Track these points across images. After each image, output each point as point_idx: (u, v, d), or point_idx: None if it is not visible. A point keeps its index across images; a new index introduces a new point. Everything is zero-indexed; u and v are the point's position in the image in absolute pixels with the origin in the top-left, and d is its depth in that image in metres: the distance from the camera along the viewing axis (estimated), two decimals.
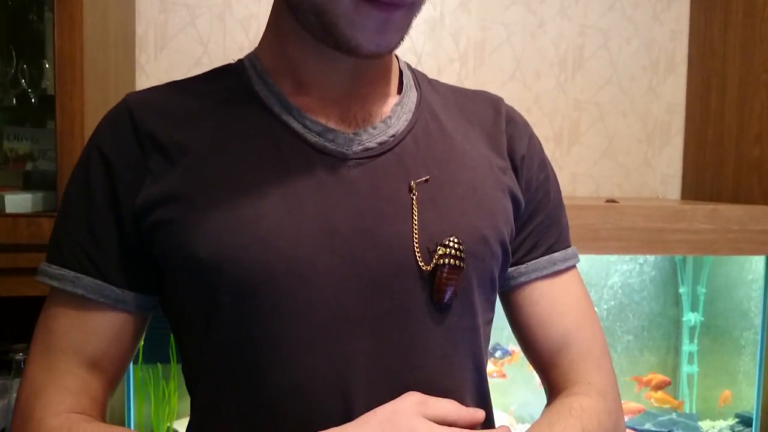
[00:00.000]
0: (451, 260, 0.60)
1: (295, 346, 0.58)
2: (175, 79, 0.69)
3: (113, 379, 0.65)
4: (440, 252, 0.60)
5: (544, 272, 0.70)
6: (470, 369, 0.65)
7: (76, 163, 0.65)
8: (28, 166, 1.41)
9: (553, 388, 0.69)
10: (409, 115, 0.67)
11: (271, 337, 0.58)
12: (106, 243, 0.62)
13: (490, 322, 0.69)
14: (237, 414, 0.60)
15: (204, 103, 0.65)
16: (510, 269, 0.70)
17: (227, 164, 0.61)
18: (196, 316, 0.61)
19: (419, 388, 0.60)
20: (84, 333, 0.63)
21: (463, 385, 0.64)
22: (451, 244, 0.61)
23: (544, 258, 0.70)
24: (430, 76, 0.76)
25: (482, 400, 0.67)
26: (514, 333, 0.73)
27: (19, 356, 1.28)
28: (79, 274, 0.62)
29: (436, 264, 0.60)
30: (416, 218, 0.61)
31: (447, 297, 0.61)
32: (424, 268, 0.60)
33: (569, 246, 0.73)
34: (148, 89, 0.67)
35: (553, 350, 0.69)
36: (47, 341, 0.63)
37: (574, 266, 0.73)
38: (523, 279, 0.70)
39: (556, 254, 0.71)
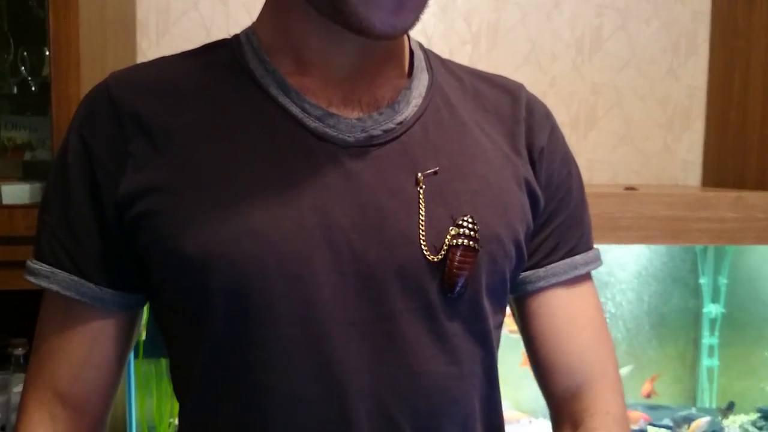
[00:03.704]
0: (466, 240, 0.55)
1: (290, 349, 0.53)
2: None
3: (103, 394, 0.62)
4: (453, 232, 0.56)
5: (564, 277, 0.65)
6: (479, 376, 0.60)
7: (58, 149, 0.61)
8: (27, 156, 1.39)
9: (564, 412, 0.65)
10: (419, 100, 0.61)
11: (263, 338, 0.53)
12: (85, 236, 0.58)
13: (500, 326, 0.64)
14: (228, 419, 0.56)
15: (194, 81, 0.59)
16: (527, 273, 0.65)
17: (217, 151, 0.56)
18: (183, 316, 0.57)
19: (424, 396, 0.56)
20: (63, 338, 0.59)
21: (472, 393, 0.59)
22: (465, 224, 0.56)
23: (564, 261, 0.65)
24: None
25: (492, 408, 0.63)
26: (524, 340, 0.68)
27: (18, 351, 1.26)
28: (54, 269, 0.58)
29: (448, 246, 0.55)
30: (423, 213, 0.56)
31: (459, 284, 0.56)
32: (431, 258, 0.55)
33: (591, 248, 0.68)
34: (133, 66, 0.62)
35: (569, 369, 0.65)
36: (36, 348, 0.61)
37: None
38: (541, 284, 0.65)
39: (578, 257, 0.66)
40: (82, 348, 0.59)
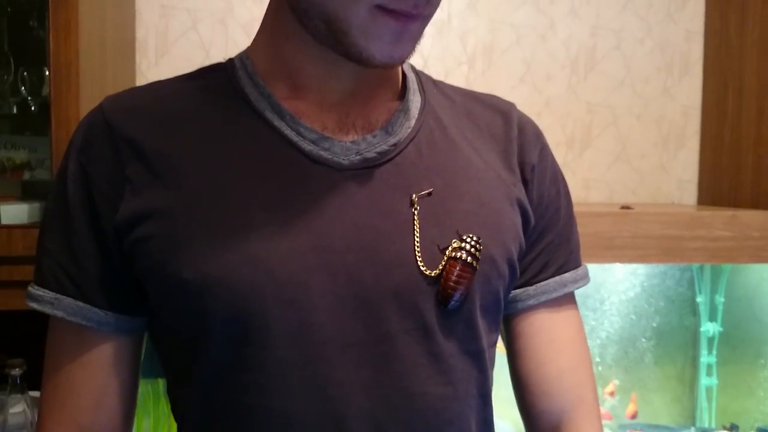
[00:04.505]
0: (466, 256, 0.56)
1: (287, 372, 0.54)
2: None
3: (123, 423, 0.63)
4: (455, 245, 0.56)
5: (554, 295, 0.66)
6: (474, 396, 0.60)
7: (56, 174, 0.61)
8: (26, 176, 1.39)
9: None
10: (412, 122, 0.62)
11: (260, 361, 0.54)
12: (87, 261, 0.58)
13: (494, 344, 0.64)
14: None
15: (189, 106, 0.60)
16: (518, 291, 0.66)
17: (213, 175, 0.56)
18: (182, 339, 0.57)
19: (420, 418, 0.56)
20: (78, 366, 0.59)
21: (468, 414, 0.59)
22: (470, 240, 0.56)
23: (554, 279, 0.66)
24: (438, 79, 0.71)
25: (487, 427, 0.63)
26: (507, 357, 0.69)
27: (15, 371, 1.25)
28: (58, 295, 0.58)
29: (447, 258, 0.56)
30: (418, 234, 0.56)
31: (455, 299, 0.56)
32: (428, 273, 0.55)
33: (580, 265, 0.69)
34: (128, 90, 0.63)
35: (546, 393, 0.66)
36: (49, 377, 0.61)
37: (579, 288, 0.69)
38: (531, 302, 0.66)
39: (567, 275, 0.67)
40: (99, 375, 0.59)
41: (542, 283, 0.66)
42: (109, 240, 0.57)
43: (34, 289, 0.59)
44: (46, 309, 0.58)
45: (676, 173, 1.80)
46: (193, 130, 0.58)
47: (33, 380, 1.28)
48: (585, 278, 0.69)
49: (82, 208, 0.58)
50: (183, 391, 0.59)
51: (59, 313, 0.58)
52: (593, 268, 1.55)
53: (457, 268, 0.55)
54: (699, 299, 1.65)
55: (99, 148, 0.58)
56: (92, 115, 0.60)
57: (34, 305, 0.59)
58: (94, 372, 0.59)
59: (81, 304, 0.58)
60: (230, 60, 0.63)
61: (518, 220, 0.63)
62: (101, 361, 0.59)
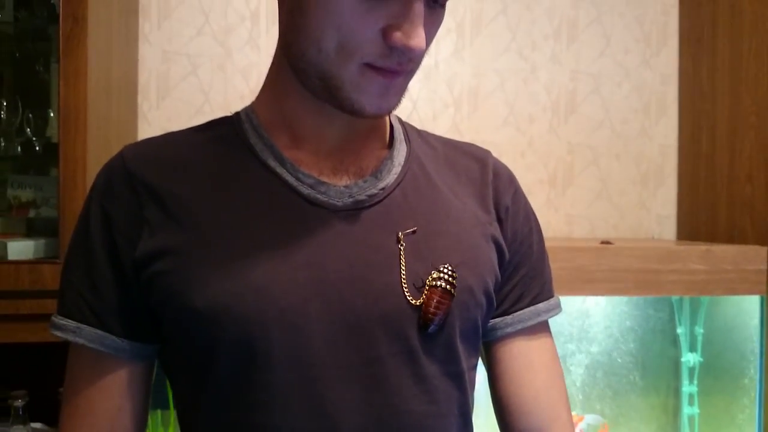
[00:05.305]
0: (444, 284, 0.62)
1: (287, 391, 0.59)
2: (177, 126, 0.71)
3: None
4: (434, 275, 0.63)
5: (529, 323, 0.72)
6: (455, 414, 0.66)
7: (79, 215, 0.67)
8: (32, 213, 1.43)
9: None
10: (399, 169, 0.69)
11: (265, 382, 0.59)
12: (106, 293, 0.64)
13: (474, 367, 0.70)
14: None
15: (200, 154, 0.67)
16: (496, 320, 0.72)
17: (222, 216, 0.63)
18: (193, 363, 0.62)
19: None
20: (96, 388, 0.64)
21: (449, 429, 0.65)
22: (445, 269, 0.63)
23: (528, 309, 0.72)
24: (426, 121, 0.79)
25: None
26: (488, 381, 0.75)
27: (18, 403, 1.28)
28: (80, 324, 0.64)
29: (429, 287, 0.62)
30: (404, 267, 0.63)
31: (435, 322, 0.62)
32: (413, 302, 0.62)
33: (552, 296, 0.76)
34: (144, 140, 0.70)
35: (525, 412, 0.71)
36: (68, 400, 0.66)
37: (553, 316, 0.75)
38: (509, 330, 0.72)
39: (540, 305, 0.73)
40: (115, 398, 0.65)
41: (518, 312, 0.72)
42: (127, 274, 0.63)
43: (58, 319, 0.65)
44: (69, 337, 0.64)
45: (656, 209, 1.87)
46: (204, 176, 0.65)
47: (35, 411, 1.31)
48: (557, 308, 0.75)
49: (103, 245, 0.64)
50: (192, 413, 0.64)
51: (80, 341, 0.64)
52: (577, 301, 1.61)
53: (437, 295, 0.62)
54: (679, 330, 1.71)
55: (120, 192, 0.65)
56: (113, 161, 0.67)
57: (58, 333, 0.65)
58: (110, 394, 0.65)
59: (100, 332, 0.64)
60: (237, 114, 0.71)
61: (494, 255, 0.70)
62: (117, 385, 0.65)
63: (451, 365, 0.65)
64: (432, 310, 0.62)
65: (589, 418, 1.59)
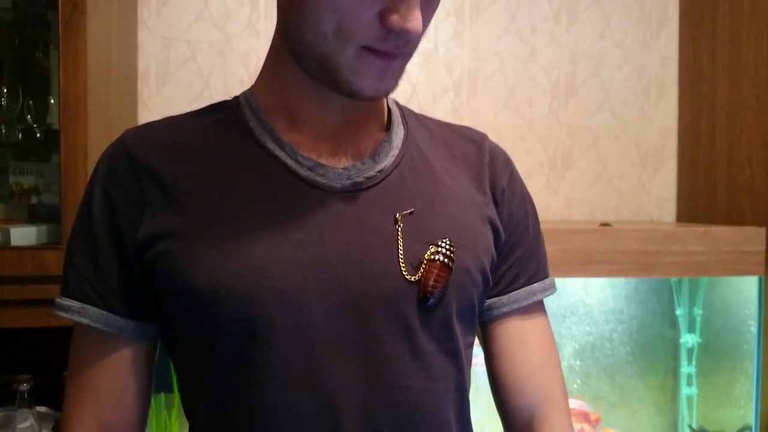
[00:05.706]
0: (442, 258, 0.64)
1: (288, 369, 0.61)
2: (177, 112, 0.72)
3: (140, 422, 0.69)
4: (432, 250, 0.64)
5: (524, 303, 0.73)
6: (452, 390, 0.67)
7: (81, 199, 0.68)
8: (33, 200, 1.45)
9: (513, 428, 0.74)
10: (396, 151, 0.70)
11: (265, 360, 0.61)
12: (109, 275, 0.65)
13: (470, 345, 0.71)
14: None
15: (200, 138, 0.68)
16: (492, 300, 0.73)
17: (222, 198, 0.64)
18: (195, 342, 0.64)
19: (405, 408, 0.63)
20: (101, 367, 0.66)
21: (446, 405, 0.66)
22: (444, 244, 0.64)
23: (524, 289, 0.74)
24: (426, 105, 0.80)
25: (463, 421, 0.70)
26: (485, 361, 0.76)
27: (23, 387, 1.30)
28: (84, 305, 0.65)
29: (427, 261, 0.63)
30: (401, 248, 0.64)
31: (434, 296, 0.63)
32: (410, 278, 0.63)
33: (547, 276, 0.77)
34: (145, 125, 0.70)
35: (520, 390, 0.73)
36: (73, 379, 0.67)
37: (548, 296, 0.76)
38: (505, 309, 0.73)
39: (535, 285, 0.75)
40: (119, 375, 0.66)
41: (514, 292, 0.73)
42: (130, 256, 0.65)
43: (62, 300, 0.66)
44: (74, 317, 0.65)
45: (655, 192, 1.88)
46: (204, 159, 0.66)
47: (40, 395, 1.33)
48: (552, 288, 0.77)
49: (106, 228, 0.65)
50: (194, 392, 0.66)
51: (85, 321, 0.65)
52: (576, 283, 1.62)
53: (436, 269, 0.63)
54: (678, 312, 1.72)
55: (122, 176, 0.66)
56: (115, 146, 0.68)
57: (62, 314, 0.66)
58: (114, 373, 0.66)
59: (104, 312, 0.65)
60: (236, 98, 0.71)
61: (490, 236, 0.71)
62: (121, 364, 0.66)
63: (449, 343, 0.66)
64: (432, 283, 0.63)
65: (574, 404, 1.59)
